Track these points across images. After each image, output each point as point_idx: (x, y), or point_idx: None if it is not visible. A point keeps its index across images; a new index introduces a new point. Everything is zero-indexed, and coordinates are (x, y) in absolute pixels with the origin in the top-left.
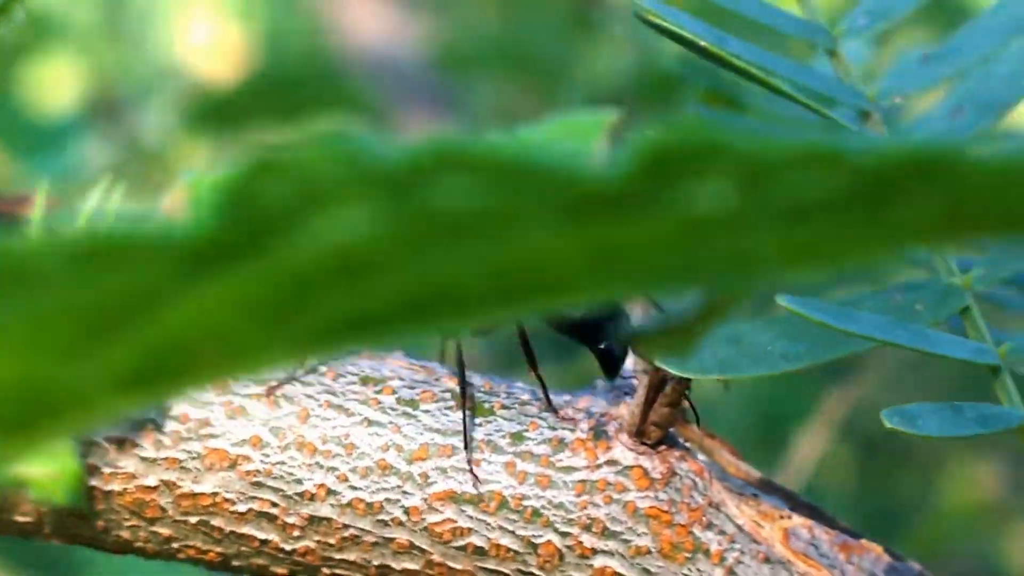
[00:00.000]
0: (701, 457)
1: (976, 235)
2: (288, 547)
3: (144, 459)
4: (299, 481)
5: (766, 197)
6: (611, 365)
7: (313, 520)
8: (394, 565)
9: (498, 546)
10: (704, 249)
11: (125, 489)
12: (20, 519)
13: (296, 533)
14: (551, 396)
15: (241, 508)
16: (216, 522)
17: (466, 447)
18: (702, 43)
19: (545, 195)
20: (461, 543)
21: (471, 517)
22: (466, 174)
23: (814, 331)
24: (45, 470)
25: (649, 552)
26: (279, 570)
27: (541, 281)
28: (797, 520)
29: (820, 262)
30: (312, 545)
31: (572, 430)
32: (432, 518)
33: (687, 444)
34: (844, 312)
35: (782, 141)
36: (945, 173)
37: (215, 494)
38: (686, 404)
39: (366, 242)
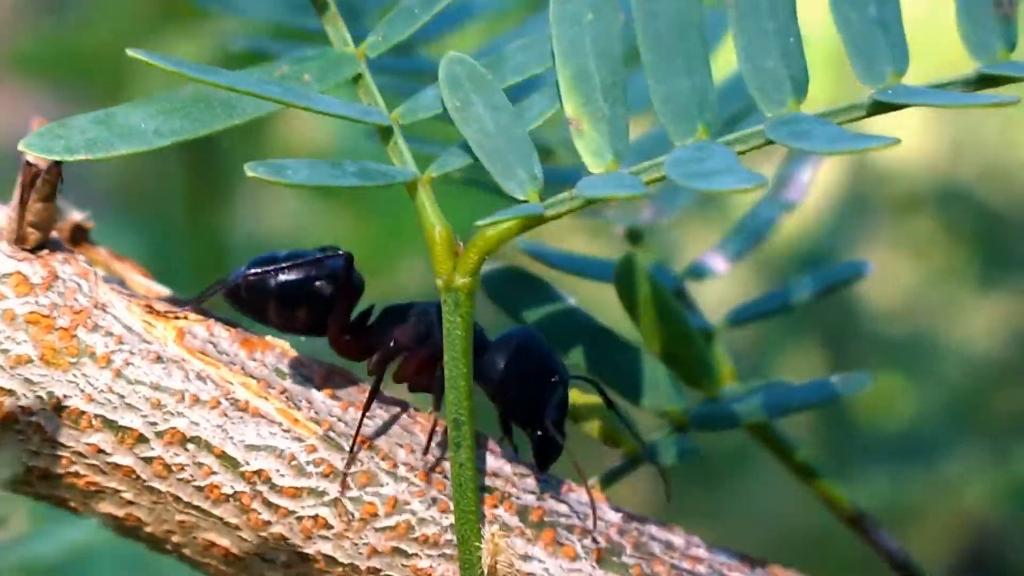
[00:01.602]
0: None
1: None
2: None
3: None
4: None
5: None
6: (549, 453)
7: None
8: None
9: None
10: None
11: None
12: None
13: None
14: None
15: None
16: None
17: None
18: None
19: None
20: None
21: None
22: None
23: (190, 107)
24: None
25: (31, 360)
26: None
27: None
28: (194, 319)
29: None
30: None
31: None
32: None
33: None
34: (207, 67)
35: None
36: None
37: None
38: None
39: None
